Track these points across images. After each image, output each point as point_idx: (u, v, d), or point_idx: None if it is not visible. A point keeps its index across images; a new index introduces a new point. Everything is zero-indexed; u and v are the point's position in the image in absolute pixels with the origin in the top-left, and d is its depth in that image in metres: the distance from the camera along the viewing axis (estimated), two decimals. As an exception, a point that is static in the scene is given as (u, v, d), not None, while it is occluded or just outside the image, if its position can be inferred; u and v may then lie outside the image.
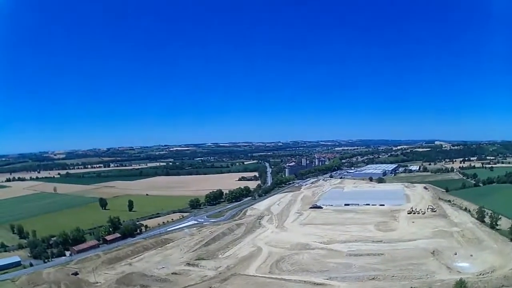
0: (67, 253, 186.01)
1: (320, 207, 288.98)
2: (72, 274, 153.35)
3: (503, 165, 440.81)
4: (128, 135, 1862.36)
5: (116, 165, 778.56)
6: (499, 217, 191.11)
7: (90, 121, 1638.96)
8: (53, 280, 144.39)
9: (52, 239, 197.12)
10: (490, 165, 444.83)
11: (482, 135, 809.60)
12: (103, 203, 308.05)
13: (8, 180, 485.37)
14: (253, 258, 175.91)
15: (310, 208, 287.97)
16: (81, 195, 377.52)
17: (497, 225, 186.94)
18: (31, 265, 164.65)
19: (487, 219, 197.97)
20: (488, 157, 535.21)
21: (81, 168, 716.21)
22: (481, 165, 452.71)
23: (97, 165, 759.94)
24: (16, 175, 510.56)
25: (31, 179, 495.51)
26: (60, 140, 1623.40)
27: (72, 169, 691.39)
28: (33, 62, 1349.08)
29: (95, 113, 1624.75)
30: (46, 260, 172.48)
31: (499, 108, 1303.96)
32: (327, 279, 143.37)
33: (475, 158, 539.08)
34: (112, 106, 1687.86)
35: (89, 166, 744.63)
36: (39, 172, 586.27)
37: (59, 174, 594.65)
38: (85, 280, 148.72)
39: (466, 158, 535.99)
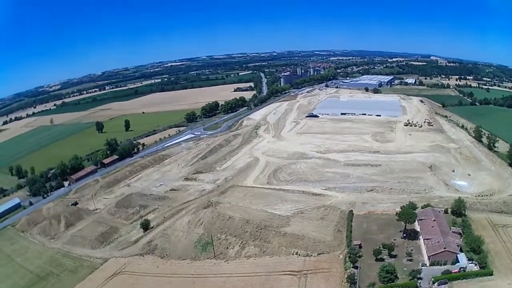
0: (66, 183, 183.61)
1: (316, 116, 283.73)
2: (72, 204, 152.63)
3: (500, 88, 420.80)
4: (123, 57, 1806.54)
5: (111, 87, 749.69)
6: (497, 139, 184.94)
7: (83, 48, 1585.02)
8: (53, 215, 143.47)
9: (51, 172, 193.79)
10: (486, 86, 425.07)
11: (478, 56, 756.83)
12: (99, 126, 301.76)
13: (5, 122, 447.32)
14: (250, 168, 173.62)
15: (307, 117, 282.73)
16: (77, 122, 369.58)
17: (494, 146, 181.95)
18: (30, 204, 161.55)
19: (484, 139, 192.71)
20: (484, 78, 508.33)
21: (76, 96, 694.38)
22: (477, 85, 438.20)
23: (92, 90, 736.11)
24: (13, 116, 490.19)
25: (28, 116, 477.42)
26: (55, 72, 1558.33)
27: (67, 97, 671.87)
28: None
29: (87, 39, 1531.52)
30: (45, 195, 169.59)
31: (497, 30, 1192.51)
32: (325, 189, 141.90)
33: (471, 77, 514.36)
34: (105, 28, 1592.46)
35: (84, 92, 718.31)
36: (35, 107, 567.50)
37: (55, 105, 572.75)
38: (84, 208, 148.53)
39: (462, 76, 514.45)
